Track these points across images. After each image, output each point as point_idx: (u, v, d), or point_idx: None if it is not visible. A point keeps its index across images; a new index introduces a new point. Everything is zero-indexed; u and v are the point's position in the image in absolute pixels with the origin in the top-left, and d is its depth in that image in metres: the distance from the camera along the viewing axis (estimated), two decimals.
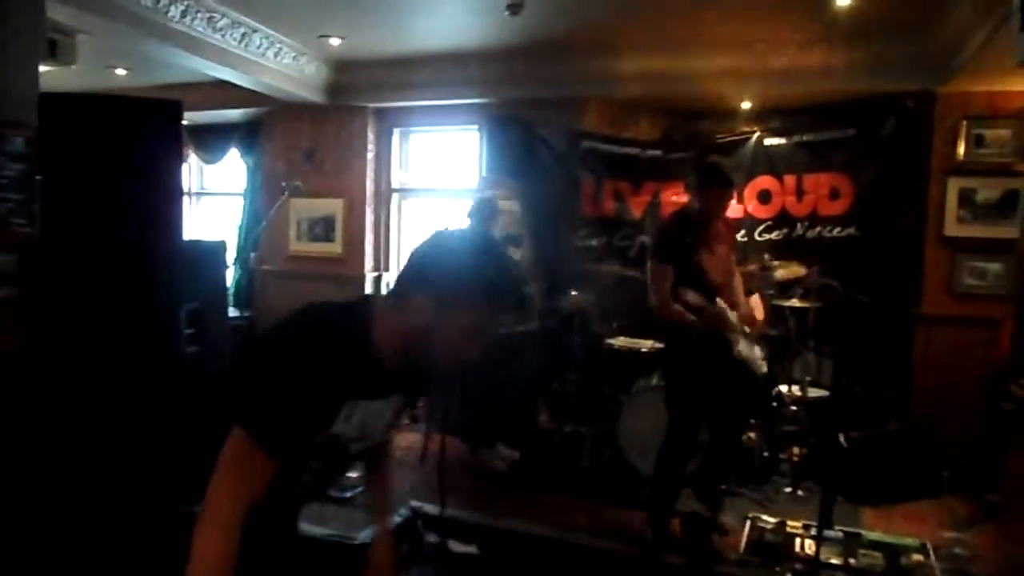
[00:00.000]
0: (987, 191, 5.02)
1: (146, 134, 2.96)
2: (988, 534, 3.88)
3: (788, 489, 4.50)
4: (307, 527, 3.71)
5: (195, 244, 3.35)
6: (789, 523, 3.95)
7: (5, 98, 3.18)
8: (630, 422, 4.61)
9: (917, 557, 3.70)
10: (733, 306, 3.64)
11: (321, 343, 1.39)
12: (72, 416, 2.72)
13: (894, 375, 5.22)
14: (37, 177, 3.17)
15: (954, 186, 5.10)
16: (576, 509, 4.25)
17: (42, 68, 3.51)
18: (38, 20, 3.50)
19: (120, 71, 6.44)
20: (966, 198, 5.08)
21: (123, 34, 4.67)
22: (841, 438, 3.70)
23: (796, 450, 4.68)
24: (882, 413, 5.02)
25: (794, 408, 4.71)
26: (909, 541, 3.84)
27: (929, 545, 3.79)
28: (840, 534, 3.79)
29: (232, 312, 7.15)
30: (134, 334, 2.78)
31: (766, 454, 4.66)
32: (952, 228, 5.11)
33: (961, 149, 5.08)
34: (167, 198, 3.06)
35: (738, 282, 3.94)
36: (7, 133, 3.19)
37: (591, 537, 3.90)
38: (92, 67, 5.91)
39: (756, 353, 3.79)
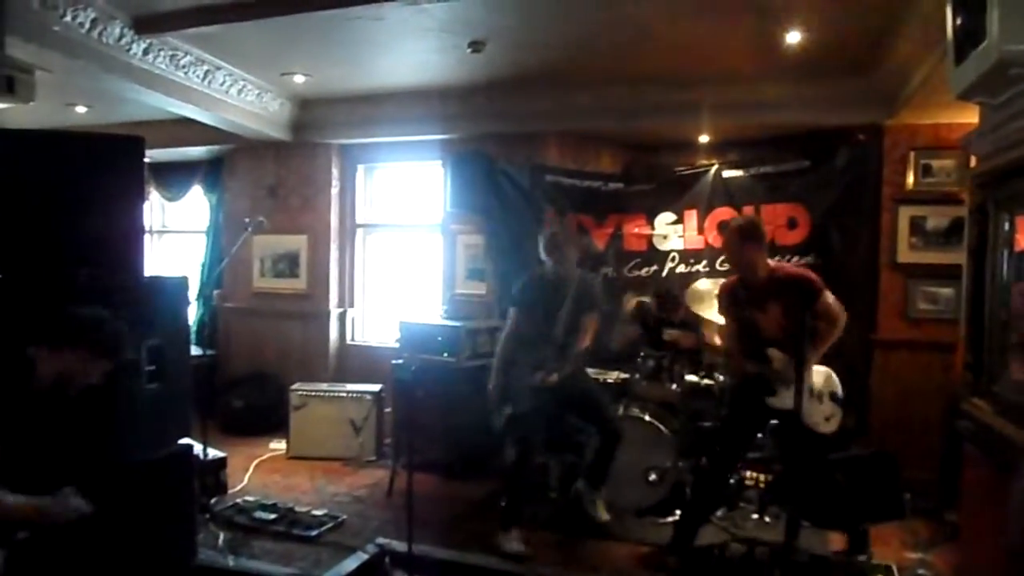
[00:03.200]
0: (936, 219, 5.19)
1: (107, 171, 2.94)
2: (949, 553, 3.95)
3: (755, 515, 4.53)
4: (270, 567, 3.66)
5: (157, 280, 3.31)
6: (757, 549, 3.97)
7: None
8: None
9: None
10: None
11: None
12: (28, 453, 2.65)
13: (854, 400, 5.31)
14: None
15: (905, 214, 5.27)
16: (545, 542, 4.22)
17: None
18: None
19: (80, 108, 6.40)
20: (917, 226, 5.25)
21: (84, 71, 4.66)
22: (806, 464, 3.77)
23: (762, 476, 4.72)
24: (844, 438, 5.09)
25: (759, 435, 4.76)
26: (875, 564, 3.89)
27: (895, 567, 3.84)
28: (807, 558, 3.81)
29: (195, 350, 7.06)
30: None
31: (732, 480, 4.69)
32: (905, 255, 5.26)
33: (910, 179, 5.26)
34: (128, 235, 3.03)
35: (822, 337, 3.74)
36: None
37: (562, 571, 3.88)
38: (52, 104, 5.88)
39: (811, 407, 3.71)
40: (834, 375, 3.92)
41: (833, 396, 3.86)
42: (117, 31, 4.60)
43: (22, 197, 2.83)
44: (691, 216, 5.81)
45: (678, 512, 4.43)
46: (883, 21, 4.25)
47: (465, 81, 5.76)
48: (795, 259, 5.45)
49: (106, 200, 2.94)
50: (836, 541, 4.08)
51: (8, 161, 2.87)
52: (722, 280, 4.37)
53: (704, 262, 5.67)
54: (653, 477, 4.51)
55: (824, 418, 3.79)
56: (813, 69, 5.07)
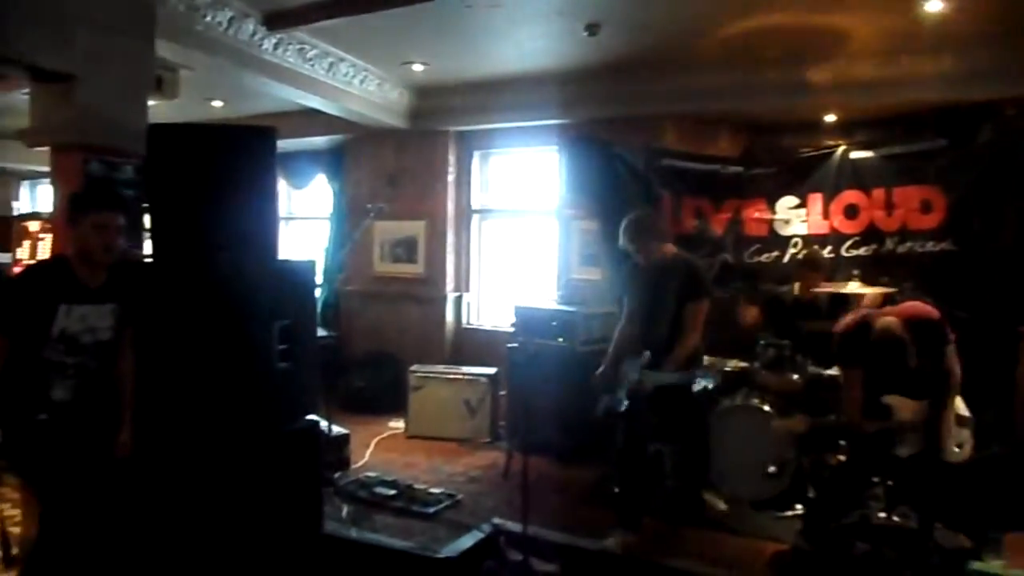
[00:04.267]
0: None
1: (244, 160, 3.11)
2: None
3: (883, 515, 4.31)
4: (391, 540, 3.80)
5: (288, 264, 3.48)
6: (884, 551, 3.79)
7: (117, 130, 3.44)
8: (716, 442, 4.52)
9: None
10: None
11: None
12: (173, 422, 2.87)
13: (996, 396, 4.95)
14: (144, 204, 3.41)
15: None
16: (658, 531, 4.18)
17: (149, 102, 3.78)
18: (148, 58, 3.77)
19: (217, 103, 6.81)
20: None
21: (222, 68, 4.96)
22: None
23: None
24: (983, 436, 4.76)
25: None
26: (1019, 574, 3.62)
27: None
28: (938, 561, 3.60)
29: (320, 331, 7.40)
30: (232, 347, 2.93)
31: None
32: None
33: None
34: (264, 219, 3.20)
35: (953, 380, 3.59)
36: (118, 162, 3.44)
37: (675, 560, 3.83)
38: (192, 100, 6.28)
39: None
40: None
41: (959, 420, 3.60)
42: (251, 28, 4.87)
43: (171, 186, 3.04)
44: (815, 200, 5.55)
45: (798, 506, 4.29)
46: None
47: (581, 65, 5.73)
48: (930, 244, 5.12)
49: (243, 188, 3.11)
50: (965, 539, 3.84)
51: (158, 153, 3.10)
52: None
53: (829, 247, 5.41)
54: (772, 469, 4.38)
55: (955, 446, 3.57)
56: (954, 39, 4.74)
